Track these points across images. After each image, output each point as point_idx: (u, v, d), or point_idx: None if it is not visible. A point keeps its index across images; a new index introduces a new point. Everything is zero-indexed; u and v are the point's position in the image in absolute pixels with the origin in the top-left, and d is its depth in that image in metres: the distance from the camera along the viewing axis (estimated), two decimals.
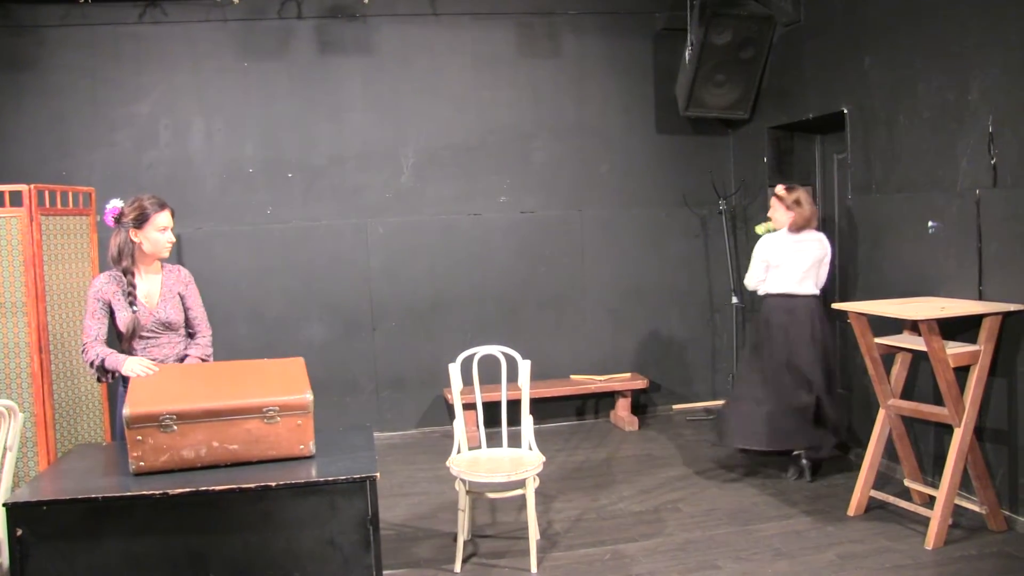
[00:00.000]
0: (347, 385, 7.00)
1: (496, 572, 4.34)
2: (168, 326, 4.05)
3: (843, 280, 6.02)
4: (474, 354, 4.64)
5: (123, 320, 3.96)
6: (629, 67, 7.33)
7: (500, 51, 7.13)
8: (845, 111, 5.85)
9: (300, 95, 6.87)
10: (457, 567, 4.34)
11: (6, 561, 3.16)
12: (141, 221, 3.96)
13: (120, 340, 4.01)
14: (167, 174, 6.68)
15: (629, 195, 7.38)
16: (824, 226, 6.92)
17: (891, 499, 4.84)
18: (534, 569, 4.31)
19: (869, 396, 5.37)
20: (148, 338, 4.01)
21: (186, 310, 4.16)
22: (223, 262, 6.76)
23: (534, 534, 4.39)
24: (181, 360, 4.09)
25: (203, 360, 4.13)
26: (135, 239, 3.98)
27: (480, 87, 7.11)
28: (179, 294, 4.13)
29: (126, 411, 3.19)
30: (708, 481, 5.63)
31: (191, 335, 4.21)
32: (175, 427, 3.22)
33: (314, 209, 6.94)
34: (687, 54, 6.75)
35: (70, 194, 5.51)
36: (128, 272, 3.99)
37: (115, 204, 4.00)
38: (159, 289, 4.08)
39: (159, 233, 3.98)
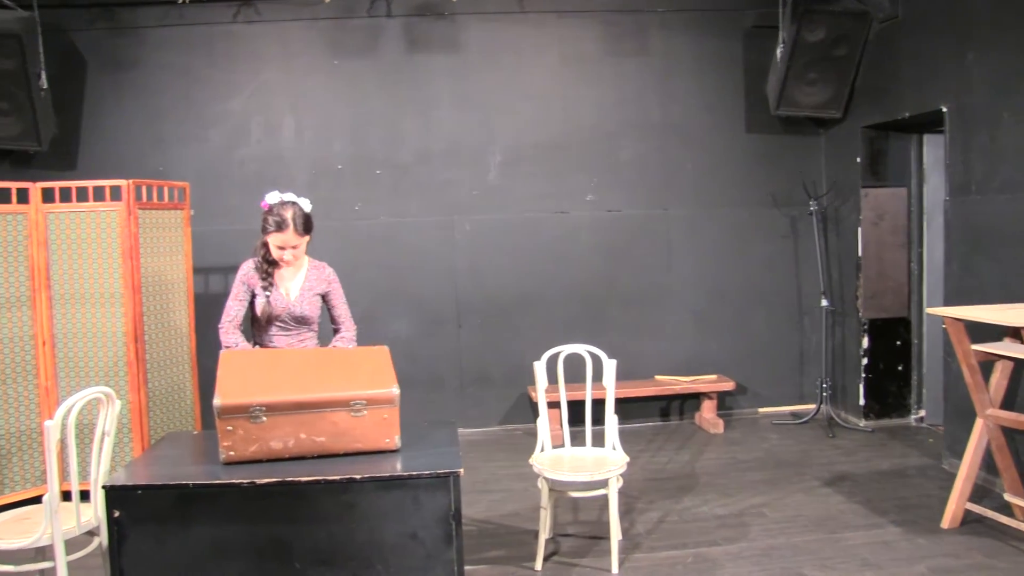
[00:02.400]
0: (432, 381, 7.05)
1: (577, 571, 4.32)
2: (301, 320, 4.24)
3: (938, 284, 5.83)
4: (559, 352, 4.63)
5: (258, 305, 4.18)
6: (718, 65, 7.21)
7: (587, 49, 7.09)
8: (944, 109, 5.66)
9: (388, 92, 6.95)
10: (538, 565, 4.34)
11: (105, 540, 3.26)
12: (262, 230, 4.15)
13: (253, 323, 4.24)
14: (258, 170, 6.83)
15: (716, 195, 7.28)
16: (919, 229, 6.75)
17: (989, 513, 4.63)
18: (615, 570, 4.27)
19: (966, 405, 5.18)
20: (281, 327, 4.21)
21: (330, 308, 4.34)
22: (313, 256, 6.86)
23: (616, 534, 4.35)
24: None
25: None
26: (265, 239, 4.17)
27: (567, 85, 7.09)
28: (321, 292, 4.30)
29: (217, 402, 3.25)
30: (793, 486, 5.51)
31: (335, 330, 4.38)
32: (264, 418, 3.28)
33: (401, 206, 7.01)
34: (778, 52, 6.62)
35: (166, 189, 5.67)
36: (266, 261, 4.18)
37: (267, 199, 4.18)
38: (301, 284, 4.25)
39: (275, 248, 4.15)
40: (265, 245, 4.17)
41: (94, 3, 6.59)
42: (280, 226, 4.08)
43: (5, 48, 5.85)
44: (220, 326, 4.19)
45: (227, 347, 4.08)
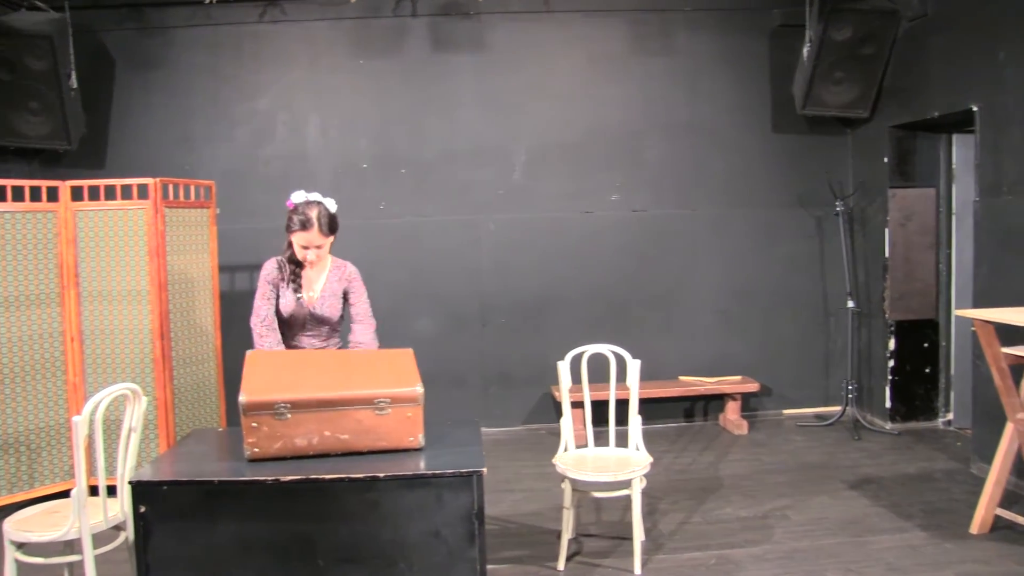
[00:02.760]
0: (455, 380, 7.06)
1: (599, 572, 4.31)
2: (324, 321, 4.26)
3: (967, 285, 5.76)
4: (583, 352, 4.61)
5: (284, 307, 4.18)
6: (744, 64, 7.17)
7: (613, 48, 7.07)
8: (974, 109, 5.60)
9: (413, 92, 6.96)
10: (560, 565, 4.33)
11: (132, 535, 3.29)
12: (286, 229, 4.14)
13: (281, 324, 4.23)
14: (283, 169, 6.87)
15: (742, 194, 7.23)
16: (947, 230, 6.68)
17: (1021, 519, 4.56)
18: (638, 571, 4.26)
19: (995, 408, 5.12)
20: (303, 328, 4.25)
21: (349, 305, 4.33)
22: (335, 255, 6.89)
23: (639, 535, 4.33)
24: None
25: None
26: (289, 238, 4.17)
27: (592, 84, 7.07)
28: (342, 290, 4.30)
29: (242, 398, 3.27)
30: (818, 489, 5.46)
31: (352, 329, 4.35)
32: (289, 415, 3.29)
33: (425, 205, 7.02)
34: (805, 51, 6.57)
35: (192, 187, 5.71)
36: (292, 261, 4.18)
37: (292, 198, 4.17)
38: (322, 285, 4.26)
39: (299, 247, 4.15)
40: (291, 245, 4.18)
41: (123, 4, 6.65)
42: (304, 225, 4.07)
43: (37, 49, 5.93)
44: (253, 326, 4.15)
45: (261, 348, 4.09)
